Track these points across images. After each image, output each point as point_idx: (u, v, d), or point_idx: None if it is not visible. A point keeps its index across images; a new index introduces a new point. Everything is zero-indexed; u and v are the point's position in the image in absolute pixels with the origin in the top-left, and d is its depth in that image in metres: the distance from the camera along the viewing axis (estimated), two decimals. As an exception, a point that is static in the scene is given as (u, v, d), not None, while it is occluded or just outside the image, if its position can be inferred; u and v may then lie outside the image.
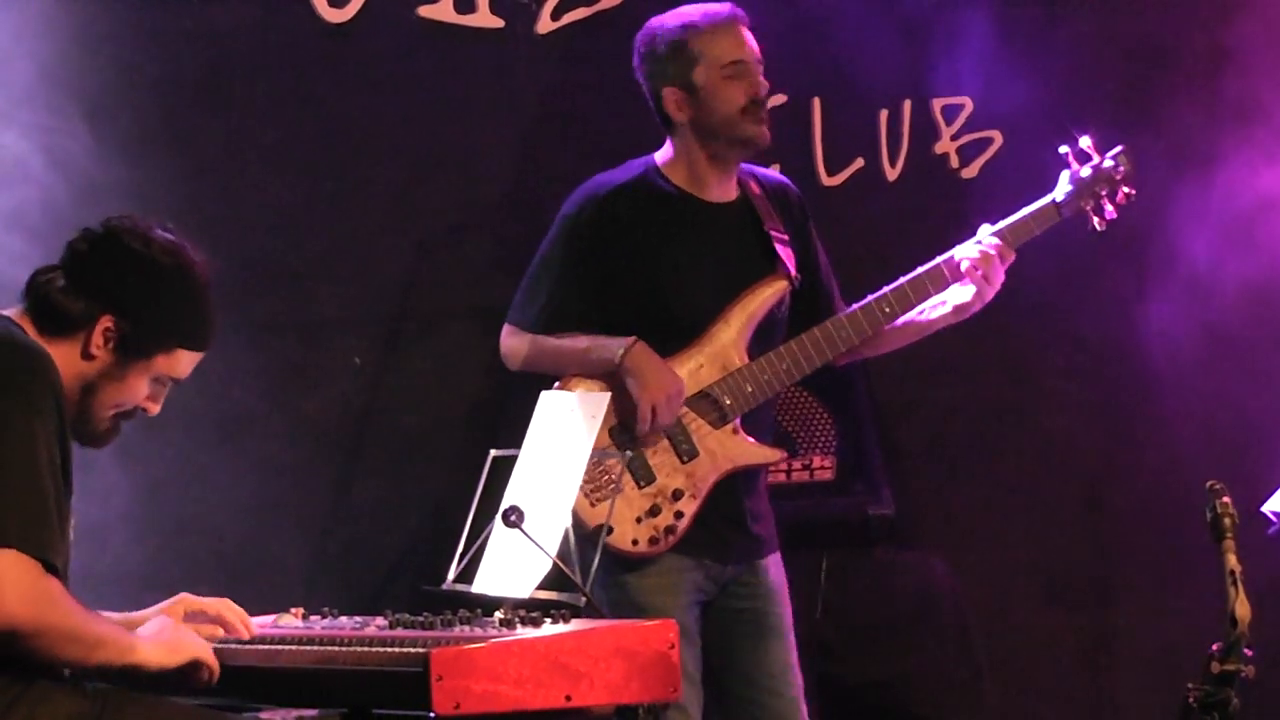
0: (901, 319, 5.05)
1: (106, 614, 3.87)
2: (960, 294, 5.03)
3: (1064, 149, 5.16)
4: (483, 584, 4.19)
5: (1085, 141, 5.16)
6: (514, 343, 5.00)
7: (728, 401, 4.90)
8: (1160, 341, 6.24)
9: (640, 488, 4.84)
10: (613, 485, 4.75)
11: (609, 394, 4.50)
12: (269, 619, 4.14)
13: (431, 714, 3.57)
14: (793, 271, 5.00)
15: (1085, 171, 5.14)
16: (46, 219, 5.38)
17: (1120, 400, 6.29)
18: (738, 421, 4.92)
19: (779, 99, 6.07)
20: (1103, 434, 6.29)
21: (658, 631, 3.78)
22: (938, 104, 6.21)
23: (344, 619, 4.13)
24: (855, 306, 5.03)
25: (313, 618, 4.14)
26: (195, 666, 3.82)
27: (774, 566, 5.02)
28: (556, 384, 4.85)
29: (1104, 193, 5.14)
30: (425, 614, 3.98)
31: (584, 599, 4.06)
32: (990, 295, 5.03)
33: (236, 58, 5.72)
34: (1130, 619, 6.31)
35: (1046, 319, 6.19)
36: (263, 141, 5.75)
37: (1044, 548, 6.30)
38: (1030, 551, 6.29)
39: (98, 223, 3.97)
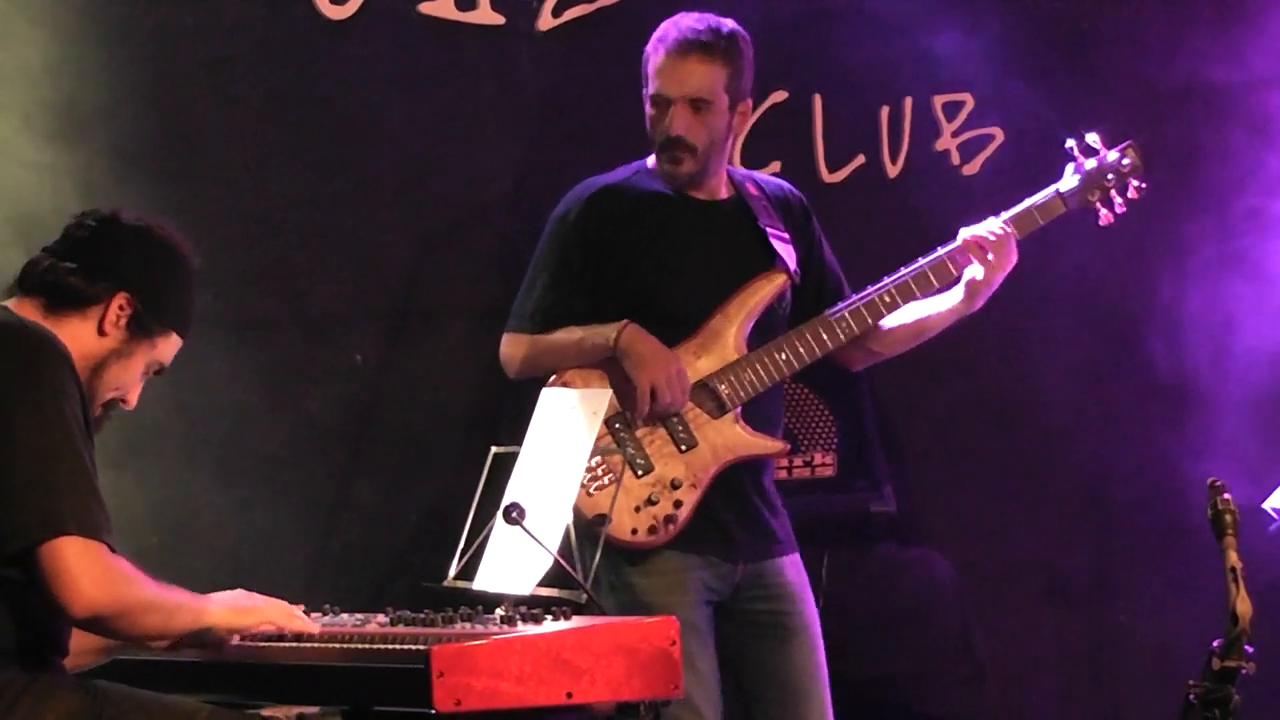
0: (912, 314, 5.03)
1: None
2: (973, 273, 5.01)
3: (1070, 142, 5.14)
4: (484, 581, 4.19)
5: (1092, 137, 5.14)
6: (512, 349, 4.99)
7: (725, 391, 4.89)
8: (1161, 340, 6.24)
9: (638, 477, 4.83)
10: (611, 475, 4.74)
11: (610, 391, 4.50)
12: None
13: (432, 711, 3.57)
14: (792, 268, 4.99)
15: (1091, 164, 5.13)
16: (47, 215, 5.37)
17: (1121, 398, 6.28)
18: (738, 411, 4.91)
19: (779, 95, 6.07)
20: (1104, 431, 6.29)
21: (659, 628, 3.78)
22: (939, 100, 6.20)
23: (345, 616, 4.13)
24: (856, 298, 5.01)
25: (314, 615, 4.13)
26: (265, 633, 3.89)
27: (791, 567, 4.99)
28: (553, 379, 4.84)
29: (1112, 186, 5.12)
30: (426, 611, 3.98)
31: (585, 596, 4.06)
32: (1000, 278, 4.99)
33: (238, 54, 5.72)
34: (1132, 616, 6.31)
35: (1047, 317, 6.19)
36: (263, 138, 5.75)
37: (1045, 544, 6.30)
38: (1031, 548, 6.29)
39: (81, 212, 4.00)
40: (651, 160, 5.00)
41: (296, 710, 3.98)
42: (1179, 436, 6.17)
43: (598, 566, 4.22)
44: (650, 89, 4.92)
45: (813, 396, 5.83)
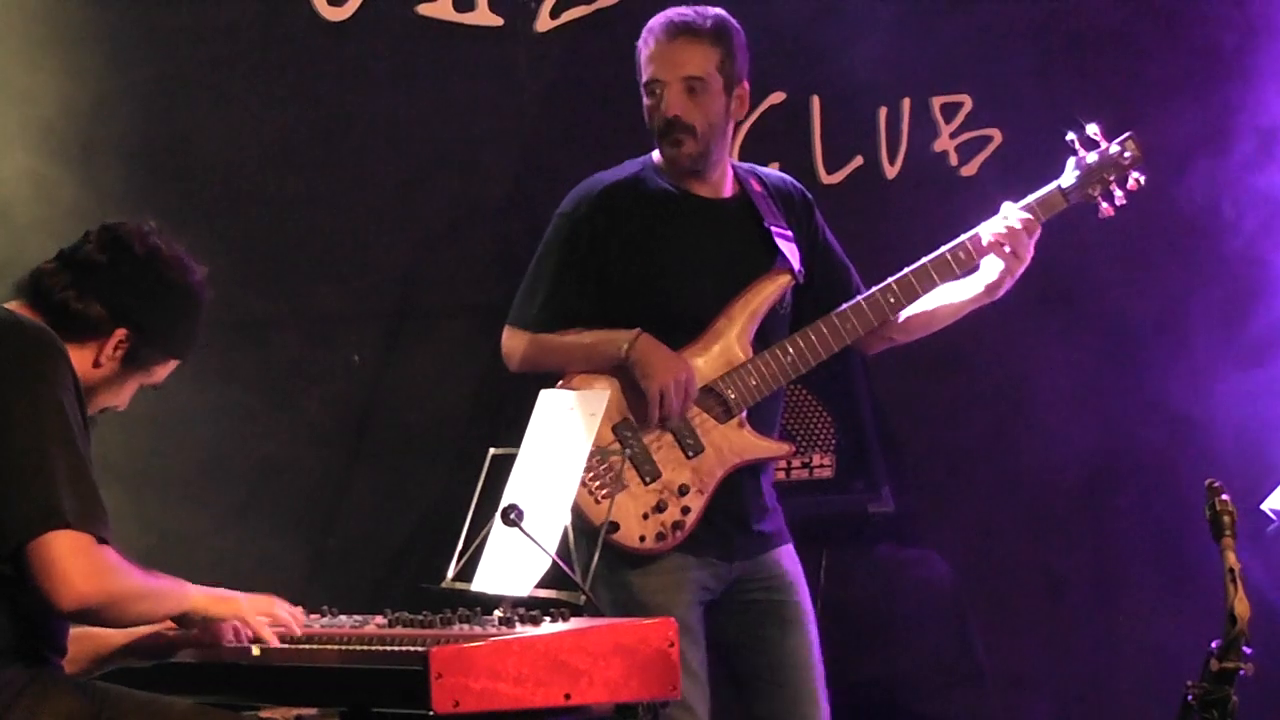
0: (933, 301, 5.02)
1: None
2: (987, 273, 5.01)
3: (1070, 135, 5.13)
4: (482, 582, 4.19)
5: (1092, 129, 5.12)
6: (515, 343, 4.99)
7: (732, 395, 4.90)
8: (1162, 340, 6.24)
9: (646, 484, 4.83)
10: (619, 482, 4.74)
11: (608, 391, 4.50)
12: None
13: (431, 712, 3.57)
14: (796, 266, 4.99)
15: (1092, 158, 5.11)
16: (47, 214, 5.38)
17: (1121, 398, 6.28)
18: (744, 415, 4.91)
19: (778, 97, 6.07)
20: (1103, 432, 6.29)
21: (657, 629, 3.78)
22: (937, 102, 6.20)
23: (343, 617, 4.13)
24: (860, 298, 5.01)
25: (312, 616, 4.13)
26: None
27: (786, 558, 5.00)
28: (560, 382, 4.84)
29: (1112, 179, 5.10)
30: (424, 612, 3.98)
31: (583, 597, 4.06)
32: (1019, 270, 4.98)
33: (236, 55, 5.72)
34: (1130, 616, 6.31)
35: (1047, 316, 6.19)
36: (262, 139, 5.75)
37: (1043, 545, 6.30)
38: (1030, 549, 6.29)
39: (100, 228, 4.00)
40: (656, 156, 5.00)
41: (295, 712, 3.99)
42: (1179, 435, 6.17)
43: (595, 563, 4.22)
44: (644, 78, 4.92)
45: (811, 397, 5.83)
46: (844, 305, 4.99)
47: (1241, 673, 4.00)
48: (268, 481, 5.71)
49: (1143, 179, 5.11)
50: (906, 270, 5.01)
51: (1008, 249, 4.98)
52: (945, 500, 6.24)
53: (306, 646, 3.89)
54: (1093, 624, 6.34)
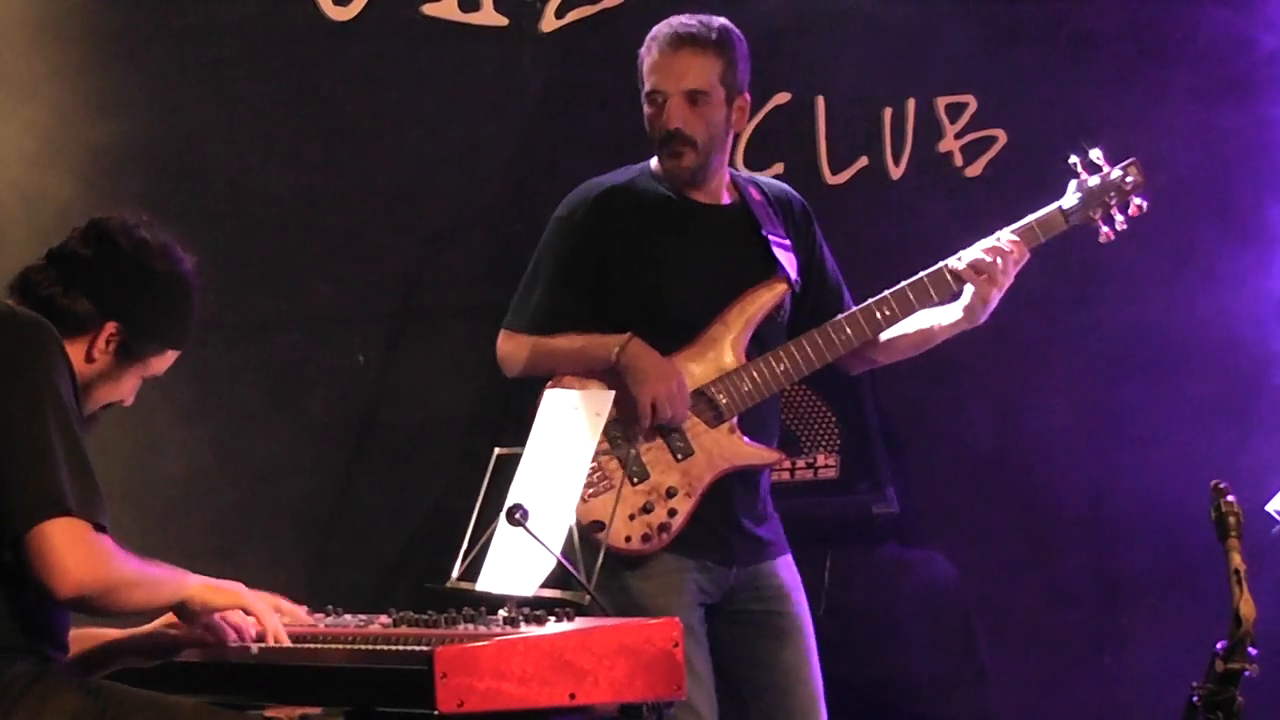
0: (913, 325, 5.02)
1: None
2: (966, 297, 5.00)
3: (1073, 159, 5.11)
4: (487, 582, 4.19)
5: (1095, 153, 5.11)
6: (509, 347, 4.98)
7: (723, 400, 4.89)
8: (1162, 340, 6.24)
9: (634, 484, 4.82)
10: (607, 482, 4.74)
11: (613, 391, 4.50)
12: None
13: (435, 712, 3.57)
14: (793, 276, 4.98)
15: (1094, 181, 5.09)
16: (50, 214, 5.38)
17: (1124, 398, 6.28)
18: (735, 421, 4.90)
19: (782, 97, 6.07)
20: (1107, 432, 6.29)
21: (662, 630, 3.78)
22: (941, 102, 6.20)
23: (348, 617, 4.13)
24: (854, 310, 5.01)
25: (317, 615, 4.13)
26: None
27: (784, 569, 5.00)
28: (550, 383, 4.83)
29: (1114, 203, 5.09)
30: (429, 612, 3.98)
31: (588, 597, 4.06)
32: (997, 297, 4.98)
33: (240, 55, 5.73)
34: (1134, 618, 6.30)
35: (1050, 317, 6.19)
36: (266, 138, 5.75)
37: (1048, 546, 6.29)
38: (1034, 549, 6.28)
39: (88, 224, 3.99)
40: (654, 162, 4.99)
41: (299, 711, 3.98)
42: (1183, 436, 6.17)
43: (600, 564, 4.21)
44: (646, 87, 4.92)
45: (815, 398, 5.83)
46: (839, 317, 4.99)
47: (1247, 674, 4.00)
48: (271, 481, 5.71)
49: (1144, 204, 5.10)
50: (903, 284, 5.00)
51: (983, 275, 4.96)
52: (949, 501, 6.24)
53: (311, 646, 3.89)
54: (1096, 624, 6.33)
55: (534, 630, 3.77)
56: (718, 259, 4.95)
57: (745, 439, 4.91)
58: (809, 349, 4.94)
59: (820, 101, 6.13)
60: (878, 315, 4.98)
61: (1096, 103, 6.19)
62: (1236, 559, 4.04)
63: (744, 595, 4.95)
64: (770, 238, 4.97)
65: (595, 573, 4.16)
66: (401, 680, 3.64)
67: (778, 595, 4.97)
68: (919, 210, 6.12)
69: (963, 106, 6.20)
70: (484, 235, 5.93)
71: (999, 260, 4.96)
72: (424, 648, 3.63)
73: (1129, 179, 5.10)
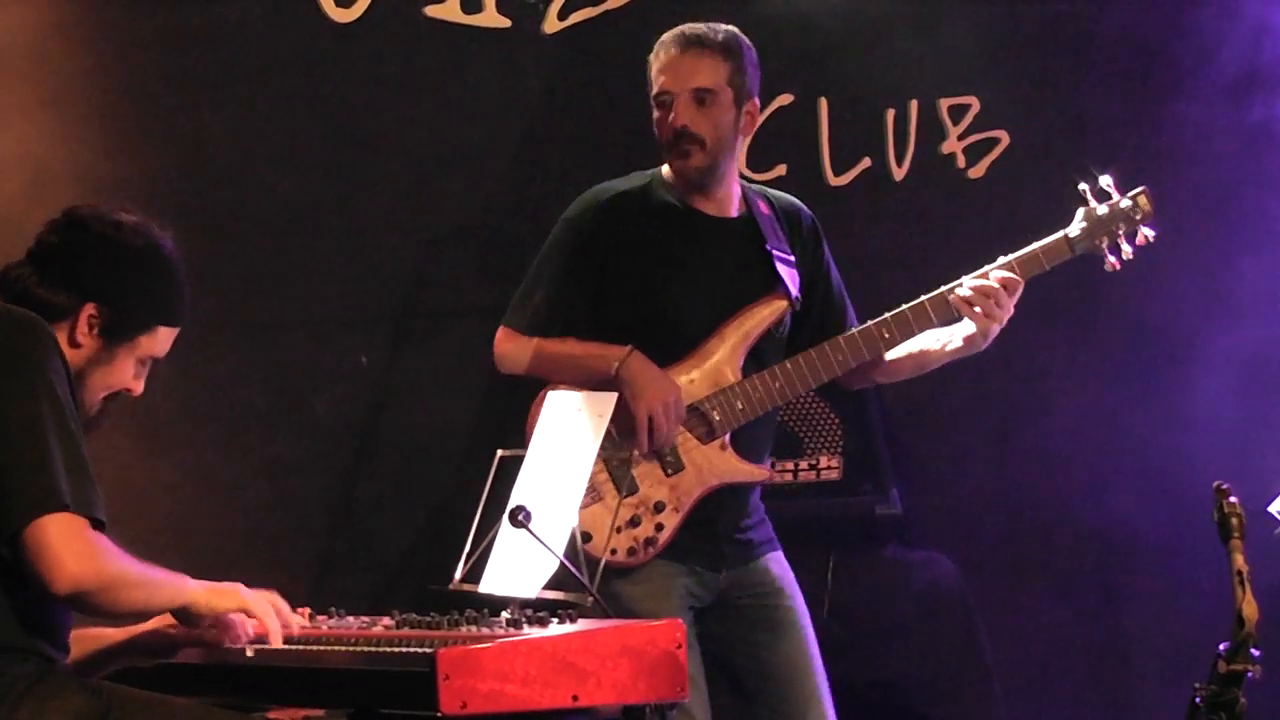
0: (916, 346, 5.00)
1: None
2: (967, 325, 4.97)
3: (1083, 186, 5.07)
4: (489, 584, 4.18)
5: (1105, 180, 5.06)
6: (509, 346, 4.97)
7: (717, 417, 4.87)
8: (1164, 341, 6.24)
9: (622, 497, 4.80)
10: (595, 493, 4.74)
11: (616, 394, 4.49)
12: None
13: (438, 714, 3.57)
14: (794, 293, 4.96)
15: (1102, 210, 5.02)
16: (50, 216, 5.37)
17: (1127, 399, 6.28)
18: (727, 438, 4.88)
19: (785, 99, 6.08)
20: (1110, 433, 6.29)
21: (665, 631, 3.78)
22: (944, 104, 6.20)
23: (350, 618, 4.13)
24: (853, 330, 4.99)
25: (319, 617, 4.13)
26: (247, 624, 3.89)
27: (775, 564, 4.98)
28: (546, 388, 4.83)
29: (1121, 232, 5.04)
30: (432, 614, 3.97)
31: (590, 599, 4.06)
32: (996, 329, 4.93)
33: (244, 57, 5.73)
34: (1137, 619, 6.31)
35: (1053, 319, 6.19)
36: (269, 140, 5.76)
37: (1051, 547, 6.30)
38: (1037, 550, 6.29)
39: (60, 214, 3.99)
40: (665, 170, 4.98)
41: (302, 713, 3.98)
42: (1185, 438, 6.17)
43: (601, 566, 4.21)
44: (654, 90, 4.92)
45: (819, 400, 5.83)
46: (839, 337, 4.96)
47: (1249, 675, 4.00)
48: (275, 482, 5.71)
49: (1152, 235, 5.04)
50: (904, 307, 4.97)
51: (978, 309, 4.94)
52: (952, 502, 6.24)
53: (314, 647, 3.89)
54: (1100, 625, 6.34)
55: (537, 632, 3.76)
56: (719, 271, 4.93)
57: (736, 456, 4.89)
58: (805, 368, 4.92)
59: (823, 103, 6.14)
60: (876, 337, 4.95)
61: (1099, 104, 6.19)
62: (1239, 560, 4.05)
63: (737, 592, 4.94)
64: (774, 253, 4.95)
65: (597, 575, 4.17)
66: (404, 682, 3.64)
67: (770, 590, 4.95)
68: (922, 212, 6.13)
69: (965, 108, 6.21)
70: (486, 237, 5.93)
71: (995, 300, 4.93)
72: (427, 649, 3.63)
73: (1138, 209, 5.04)
